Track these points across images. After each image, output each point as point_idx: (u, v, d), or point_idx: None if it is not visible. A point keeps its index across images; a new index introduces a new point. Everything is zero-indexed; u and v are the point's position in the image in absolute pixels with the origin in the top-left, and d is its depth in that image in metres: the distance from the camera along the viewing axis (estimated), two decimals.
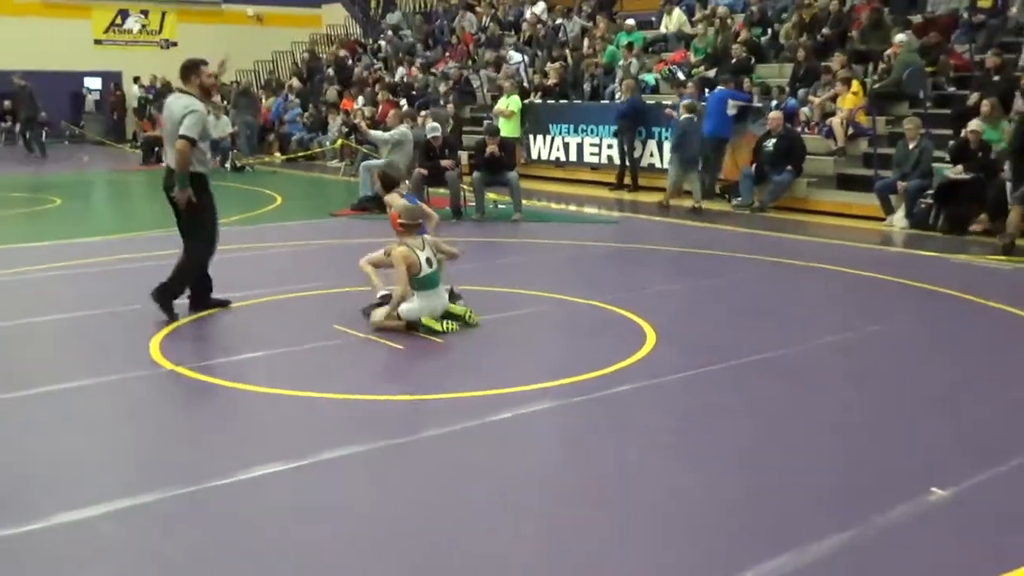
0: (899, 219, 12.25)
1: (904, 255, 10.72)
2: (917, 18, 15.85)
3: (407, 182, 13.91)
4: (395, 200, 7.99)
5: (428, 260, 7.12)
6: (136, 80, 29.89)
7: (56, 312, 7.77)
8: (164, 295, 7.45)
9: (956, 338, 7.18)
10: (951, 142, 12.50)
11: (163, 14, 32.41)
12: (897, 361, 6.57)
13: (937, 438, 5.07)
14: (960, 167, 11.80)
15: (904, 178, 12.26)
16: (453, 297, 7.44)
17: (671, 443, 5.02)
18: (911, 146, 12.31)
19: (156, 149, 22.83)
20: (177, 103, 7.49)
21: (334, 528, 3.99)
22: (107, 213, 16.07)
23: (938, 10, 15.78)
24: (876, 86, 14.38)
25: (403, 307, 7.00)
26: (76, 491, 4.30)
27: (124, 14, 31.85)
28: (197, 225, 7.63)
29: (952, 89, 14.36)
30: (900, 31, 14.74)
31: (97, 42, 31.36)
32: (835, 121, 14.19)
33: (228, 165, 20.53)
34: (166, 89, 28.19)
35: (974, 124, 11.98)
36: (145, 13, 32.17)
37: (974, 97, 12.86)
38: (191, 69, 7.65)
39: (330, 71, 26.17)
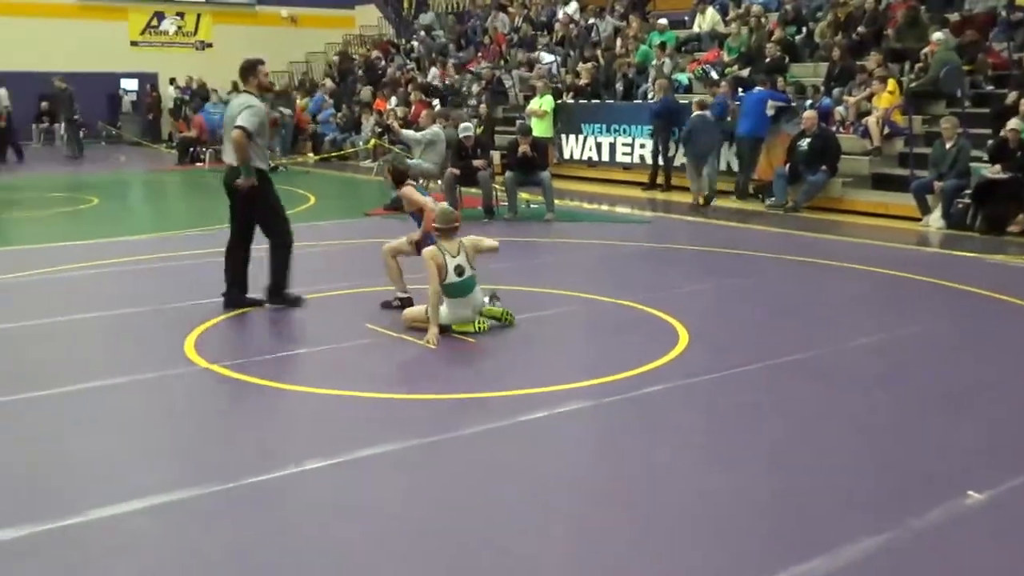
0: (935, 219, 12.12)
1: (940, 255, 10.60)
2: (954, 16, 15.67)
3: (434, 181, 14.01)
4: (411, 195, 7.89)
5: (458, 268, 6.92)
6: (172, 81, 30.20)
7: (92, 310, 7.86)
8: (277, 294, 7.84)
9: (992, 339, 7.09)
10: (989, 141, 12.35)
11: (198, 16, 32.70)
12: (932, 362, 6.50)
13: (973, 440, 5.01)
14: (998, 166, 11.66)
15: (941, 178, 12.13)
16: (493, 300, 7.31)
17: (703, 444, 5.00)
18: (948, 145, 12.17)
19: (191, 149, 23.11)
20: (236, 101, 7.82)
21: (367, 526, 4.01)
22: (143, 212, 16.24)
23: (976, 8, 15.59)
24: (913, 85, 14.24)
25: (441, 311, 6.95)
26: (113, 487, 4.35)
27: (160, 16, 32.17)
28: (271, 219, 7.87)
29: (990, 88, 14.19)
30: (937, 29, 14.58)
31: (133, 44, 31.69)
32: (871, 120, 14.06)
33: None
34: (202, 90, 28.52)
35: (1013, 123, 11.83)
36: (181, 15, 32.47)
37: (1012, 95, 12.68)
38: (249, 70, 7.85)
39: (360, 72, 26.31)
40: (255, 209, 7.77)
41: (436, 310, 6.86)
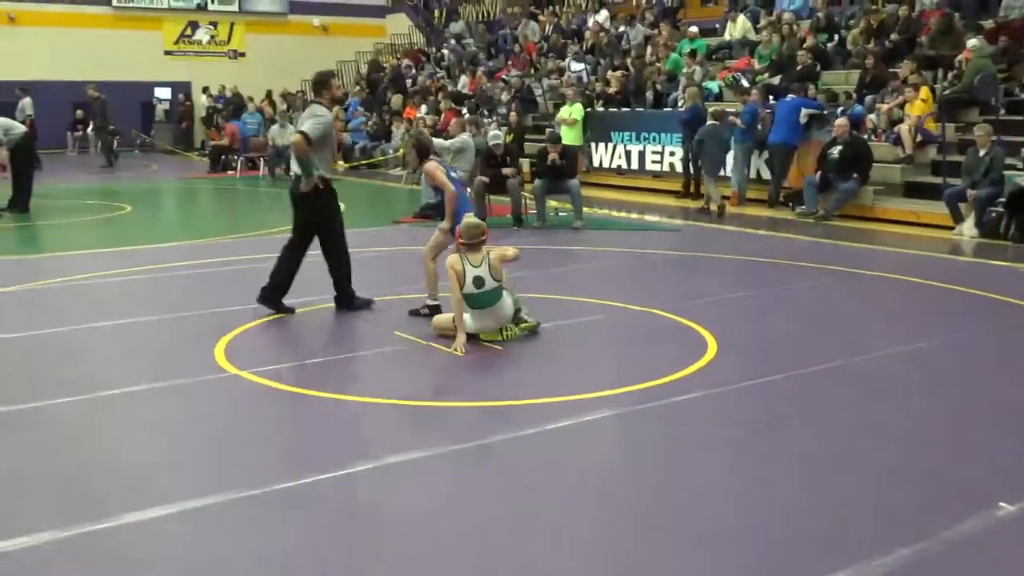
0: (968, 228, 12.00)
1: (974, 264, 10.49)
2: (989, 23, 15.52)
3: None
4: (434, 171, 7.80)
5: (477, 279, 6.88)
6: (205, 90, 30.48)
7: (125, 316, 7.94)
8: (348, 299, 8.06)
9: None
10: (1023, 149, 12.22)
11: (231, 25, 33.01)
12: (964, 372, 6.43)
13: (1006, 451, 4.95)
14: None
15: (974, 186, 12.01)
16: (516, 319, 7.19)
17: (732, 454, 4.97)
18: (981, 153, 12.05)
19: (223, 157, 23.30)
20: (306, 111, 8.01)
21: (395, 533, 4.02)
22: (176, 220, 16.40)
23: (1012, 15, 15.43)
24: (947, 92, 14.10)
25: (464, 319, 6.98)
26: (145, 492, 4.39)
27: (194, 25, 32.51)
28: (331, 231, 8.12)
29: None
30: (971, 36, 14.45)
31: (167, 53, 32.04)
32: (903, 128, 13.95)
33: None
34: (237, 98, 28.78)
35: None
36: (214, 24, 32.80)
37: None
38: (323, 83, 8.11)
39: (388, 80, 26.46)
40: (317, 219, 7.98)
41: (461, 318, 6.87)
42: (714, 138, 14.72)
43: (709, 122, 14.88)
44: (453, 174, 7.99)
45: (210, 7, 32.33)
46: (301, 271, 7.97)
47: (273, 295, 7.90)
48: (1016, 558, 3.81)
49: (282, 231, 13.03)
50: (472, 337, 6.92)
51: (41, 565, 3.74)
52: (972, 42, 14.11)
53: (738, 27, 19.39)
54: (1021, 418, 5.50)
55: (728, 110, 16.10)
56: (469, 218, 7.25)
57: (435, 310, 7.52)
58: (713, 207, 14.43)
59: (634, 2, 23.80)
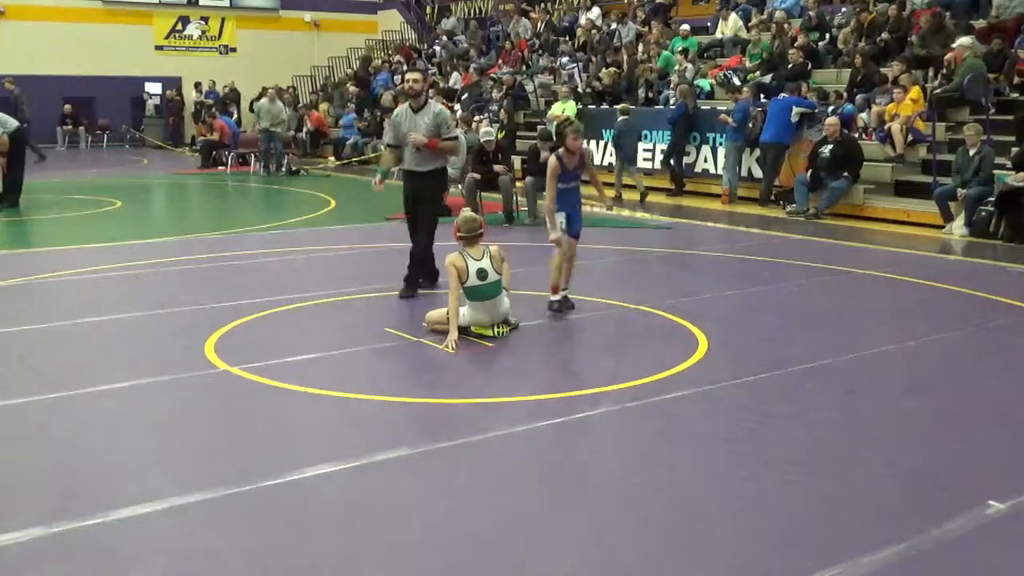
0: (958, 227, 12.04)
1: (963, 263, 10.52)
2: (980, 23, 15.56)
3: (455, 185, 14.02)
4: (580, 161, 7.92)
5: (480, 271, 6.93)
6: (197, 86, 30.41)
7: (114, 312, 7.92)
8: (428, 274, 8.67)
9: (1016, 349, 7.03)
10: (1013, 148, 12.25)
11: (223, 20, 32.92)
12: (954, 371, 6.45)
13: (995, 450, 4.97)
14: (1022, 174, 11.56)
15: (964, 185, 12.04)
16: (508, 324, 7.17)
17: (722, 451, 4.98)
18: (971, 152, 12.09)
19: (214, 153, 23.24)
20: (426, 109, 8.51)
21: (384, 530, 4.01)
22: (166, 216, 16.34)
23: (1003, 15, 15.47)
24: (939, 91, 14.12)
25: (461, 313, 6.98)
26: (132, 488, 4.38)
27: (185, 20, 32.40)
28: (434, 214, 8.80)
29: (1015, 95, 14.08)
30: (962, 35, 14.47)
31: (158, 48, 31.93)
32: (895, 127, 13.97)
33: (283, 169, 20.78)
34: (233, 94, 28.72)
35: None
36: (205, 19, 32.70)
37: None
38: (433, 86, 8.82)
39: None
40: (424, 205, 8.64)
41: (455, 315, 6.87)
42: (627, 132, 16.43)
43: (620, 118, 16.41)
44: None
45: (201, 2, 32.22)
46: (286, 267, 7.95)
47: (409, 282, 8.50)
48: (1005, 556, 3.82)
49: (271, 227, 13.03)
50: (463, 331, 6.93)
51: (31, 561, 3.72)
52: (963, 40, 14.13)
53: (730, 25, 19.41)
54: (1010, 416, 5.51)
55: (719, 108, 16.16)
56: (465, 212, 7.30)
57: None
58: (635, 196, 15.41)
59: (626, 0, 23.80)
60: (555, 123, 7.30)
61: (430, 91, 22.67)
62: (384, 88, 24.83)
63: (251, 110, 24.55)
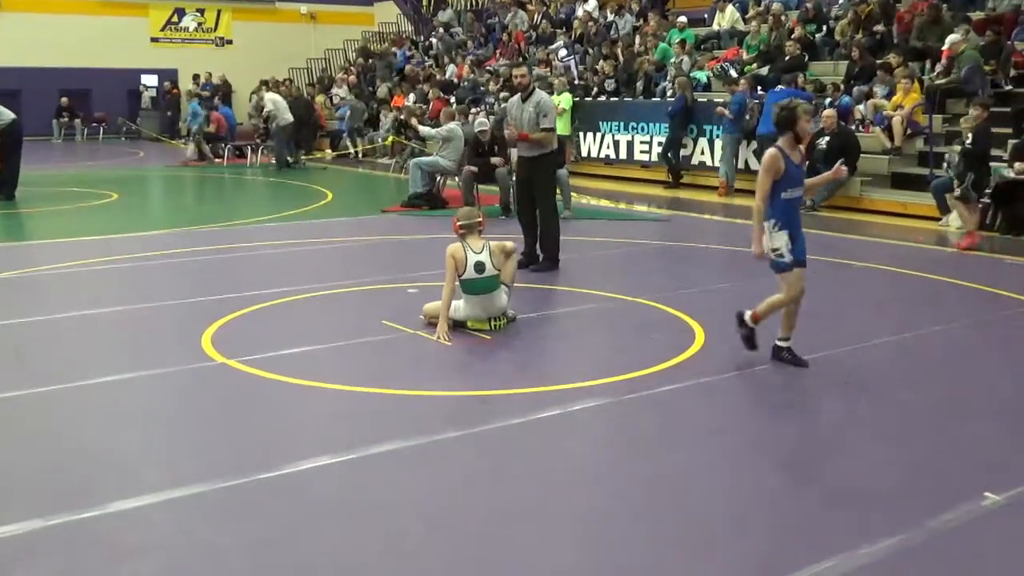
0: (955, 219, 12.03)
1: (960, 256, 10.53)
2: (977, 14, 15.54)
3: (451, 178, 14.01)
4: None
5: (478, 264, 6.90)
6: (195, 78, 30.33)
7: (111, 305, 7.91)
8: (551, 261, 9.40)
9: (1013, 341, 7.04)
10: (1010, 141, 12.24)
11: (219, 12, 32.87)
12: (951, 363, 6.46)
13: (992, 442, 4.98)
14: (1020, 166, 11.56)
15: (962, 178, 12.00)
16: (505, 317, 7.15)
17: (718, 443, 4.98)
18: (967, 141, 12.03)
19: (210, 145, 23.20)
20: (533, 98, 9.24)
21: (380, 523, 4.01)
22: (162, 208, 16.32)
23: (1000, 7, 15.46)
24: (942, 82, 14.08)
25: (455, 306, 6.99)
26: (129, 480, 4.38)
27: (180, 12, 32.35)
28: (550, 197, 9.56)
29: (1010, 87, 14.08)
30: (959, 26, 14.45)
31: (154, 40, 31.88)
32: (895, 119, 13.95)
33: (300, 161, 20.96)
34: (226, 86, 28.66)
35: None
36: (201, 11, 32.65)
37: None
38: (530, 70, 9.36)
39: (376, 69, 26.53)
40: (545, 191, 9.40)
41: (447, 306, 6.86)
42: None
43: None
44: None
45: None
46: (283, 260, 7.94)
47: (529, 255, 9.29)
48: (1001, 547, 3.83)
49: (267, 219, 13.01)
50: (459, 325, 6.92)
51: (28, 554, 3.72)
52: (952, 37, 14.08)
53: (727, 17, 19.38)
54: (1006, 408, 5.52)
55: (716, 100, 16.15)
56: (465, 207, 7.34)
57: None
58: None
59: None
60: (778, 107, 5.86)
61: (426, 83, 22.79)
62: (405, 61, 25.06)
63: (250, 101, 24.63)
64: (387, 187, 17.46)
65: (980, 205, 11.57)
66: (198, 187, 18.97)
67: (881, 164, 14.13)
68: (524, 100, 9.28)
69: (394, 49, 27.67)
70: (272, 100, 21.05)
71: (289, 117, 20.72)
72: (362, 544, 3.83)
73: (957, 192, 11.17)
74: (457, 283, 6.93)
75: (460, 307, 6.97)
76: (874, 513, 4.07)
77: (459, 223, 7.09)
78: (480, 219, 7.18)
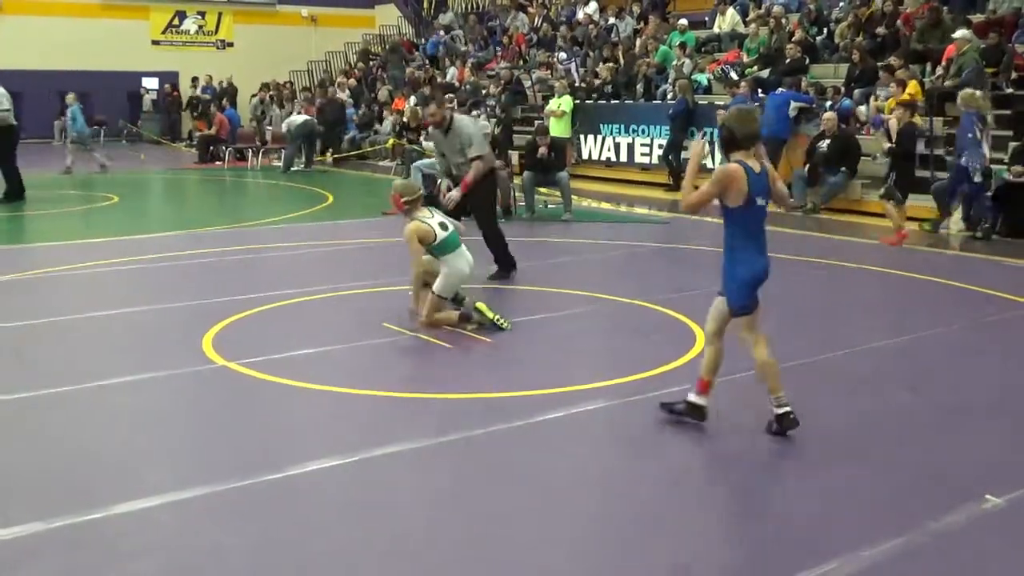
0: (955, 222, 12.04)
1: (960, 258, 10.53)
2: (978, 17, 15.53)
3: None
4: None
5: (442, 224, 7.14)
6: (194, 81, 30.35)
7: (112, 307, 7.91)
8: (505, 267, 9.15)
9: (1012, 343, 7.04)
10: (1010, 143, 12.24)
11: (219, 15, 32.87)
12: (952, 365, 6.46)
13: (992, 445, 4.98)
14: (1020, 169, 11.56)
15: (963, 182, 12.00)
16: (457, 300, 7.26)
17: (719, 445, 4.99)
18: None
19: (211, 148, 23.22)
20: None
21: (382, 525, 4.02)
22: (164, 211, 16.33)
23: (1000, 9, 15.45)
24: (947, 83, 14.06)
25: (436, 285, 7.02)
26: (133, 483, 4.39)
27: (181, 15, 32.35)
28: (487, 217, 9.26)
29: (1010, 90, 14.07)
30: (961, 29, 14.43)
31: (155, 42, 31.88)
32: (892, 122, 13.93)
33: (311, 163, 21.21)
34: (231, 88, 28.67)
35: None
36: (202, 14, 32.66)
37: None
38: None
39: (378, 71, 26.57)
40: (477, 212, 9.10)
41: (419, 284, 7.09)
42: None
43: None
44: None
45: None
46: (284, 262, 7.95)
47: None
48: (1002, 549, 3.83)
49: (268, 222, 13.02)
50: (461, 322, 7.01)
51: (30, 556, 3.72)
52: (963, 33, 14.08)
53: (727, 20, 19.39)
54: (1006, 410, 5.53)
55: (716, 103, 16.15)
56: (397, 181, 7.77)
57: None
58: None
59: None
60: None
61: (427, 86, 22.80)
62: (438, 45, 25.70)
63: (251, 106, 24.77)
64: (388, 189, 17.44)
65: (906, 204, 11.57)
66: (199, 189, 18.98)
67: (881, 167, 14.07)
68: (445, 134, 8.93)
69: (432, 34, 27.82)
70: (288, 123, 21.43)
71: (297, 121, 21.09)
72: (365, 545, 3.84)
73: (881, 191, 11.38)
74: (440, 261, 7.06)
75: (447, 279, 7.07)
76: (875, 515, 4.08)
77: (403, 199, 7.23)
78: (420, 188, 7.55)
